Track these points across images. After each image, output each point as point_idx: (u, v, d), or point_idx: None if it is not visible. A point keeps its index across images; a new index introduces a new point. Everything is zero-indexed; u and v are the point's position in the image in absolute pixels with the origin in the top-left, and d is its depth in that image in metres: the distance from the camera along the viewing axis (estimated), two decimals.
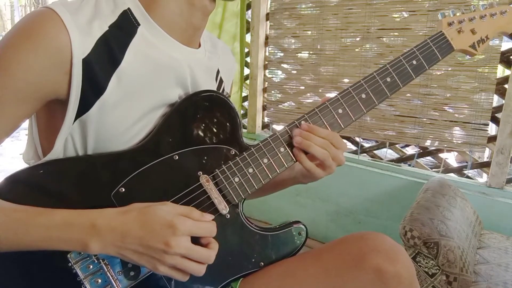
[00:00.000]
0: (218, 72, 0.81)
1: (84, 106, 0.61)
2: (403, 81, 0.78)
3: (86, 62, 0.59)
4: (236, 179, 0.71)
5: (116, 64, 0.62)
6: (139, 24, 0.65)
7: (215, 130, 0.72)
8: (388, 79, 0.78)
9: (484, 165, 1.87)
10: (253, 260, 0.75)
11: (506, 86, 1.69)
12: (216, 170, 0.70)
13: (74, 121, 0.62)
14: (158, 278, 0.67)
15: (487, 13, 0.83)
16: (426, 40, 0.81)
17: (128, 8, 0.65)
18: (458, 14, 0.83)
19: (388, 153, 2.15)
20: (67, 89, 0.60)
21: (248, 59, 2.44)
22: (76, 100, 0.60)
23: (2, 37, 0.59)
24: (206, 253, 0.60)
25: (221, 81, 0.83)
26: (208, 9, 0.70)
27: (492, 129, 2.17)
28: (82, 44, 0.59)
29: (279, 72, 2.37)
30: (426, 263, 1.26)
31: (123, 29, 0.64)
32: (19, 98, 0.59)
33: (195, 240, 0.61)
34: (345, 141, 2.49)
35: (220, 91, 0.83)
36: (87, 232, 0.57)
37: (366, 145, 2.21)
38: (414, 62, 0.79)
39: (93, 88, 0.61)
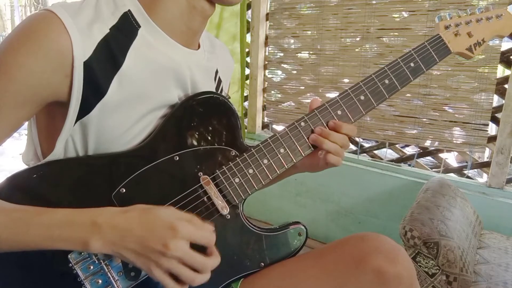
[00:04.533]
0: (216, 72, 0.82)
1: (85, 109, 0.61)
2: (401, 83, 0.79)
3: (87, 65, 0.59)
4: (237, 180, 0.71)
5: (117, 67, 0.62)
6: (139, 26, 0.65)
7: (215, 131, 0.72)
8: (386, 81, 0.78)
9: (484, 165, 1.88)
10: (253, 260, 0.75)
11: (506, 86, 1.69)
12: (217, 171, 0.70)
13: (75, 123, 0.62)
14: None
15: (483, 17, 0.84)
16: (424, 43, 0.81)
17: (129, 10, 0.65)
18: (454, 16, 0.84)
19: (388, 153, 2.16)
20: (68, 92, 0.60)
21: (248, 59, 2.44)
22: (77, 103, 0.60)
23: (3, 40, 0.59)
24: (203, 261, 0.59)
25: (219, 81, 0.83)
26: (208, 13, 0.70)
27: (492, 129, 2.17)
28: (83, 47, 0.59)
29: (279, 72, 2.38)
30: (426, 263, 1.26)
31: (124, 32, 0.64)
32: (20, 101, 0.59)
33: (199, 250, 0.60)
34: None
35: (219, 91, 0.83)
36: (88, 230, 0.57)
37: (366, 145, 2.22)
38: (412, 64, 0.79)
39: (94, 91, 0.61)
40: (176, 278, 0.58)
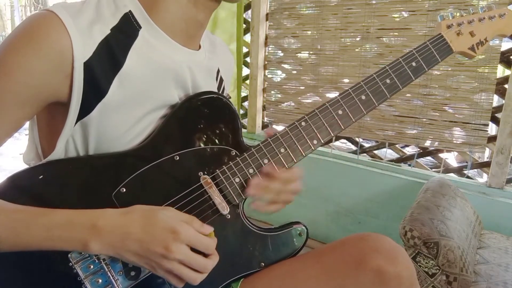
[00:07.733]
0: (218, 71, 0.82)
1: (86, 109, 0.61)
2: (403, 82, 0.79)
3: (87, 65, 0.59)
4: (237, 180, 0.71)
5: (117, 68, 0.62)
6: (140, 27, 0.65)
7: (215, 131, 0.72)
8: (388, 81, 0.78)
9: (484, 165, 1.88)
10: (253, 260, 0.75)
11: (506, 86, 1.69)
12: (217, 170, 0.70)
13: (76, 123, 0.62)
14: (159, 278, 0.67)
15: (486, 16, 0.84)
16: (426, 42, 0.81)
17: (130, 11, 0.65)
18: (457, 16, 0.83)
19: (388, 153, 2.16)
20: (68, 92, 0.60)
21: (248, 59, 2.44)
22: (77, 103, 0.60)
23: (4, 40, 0.59)
24: (203, 262, 0.60)
25: (221, 80, 0.83)
26: (211, 7, 0.70)
27: (492, 129, 2.17)
28: (84, 47, 0.59)
29: (279, 72, 2.38)
30: (426, 263, 1.26)
31: (125, 32, 0.64)
32: (20, 101, 0.59)
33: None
34: (345, 141, 2.49)
35: (221, 90, 0.83)
36: (88, 232, 0.57)
37: (366, 145, 2.22)
38: (414, 64, 0.79)
39: (95, 91, 0.61)
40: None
